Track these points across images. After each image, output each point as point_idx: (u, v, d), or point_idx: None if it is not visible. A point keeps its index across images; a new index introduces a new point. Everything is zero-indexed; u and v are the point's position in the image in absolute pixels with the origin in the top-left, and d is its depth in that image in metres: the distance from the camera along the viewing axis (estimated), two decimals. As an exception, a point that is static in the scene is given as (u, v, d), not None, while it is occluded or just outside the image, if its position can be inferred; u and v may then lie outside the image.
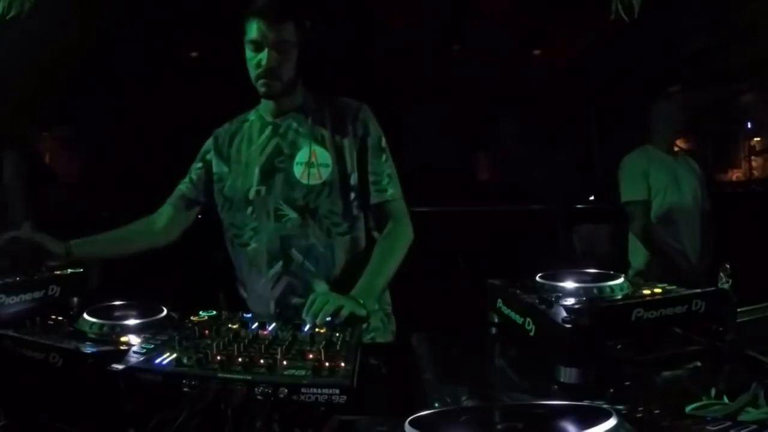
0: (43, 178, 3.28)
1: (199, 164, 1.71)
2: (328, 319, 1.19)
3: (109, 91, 4.14)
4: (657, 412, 0.65)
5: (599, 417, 0.55)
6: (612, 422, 0.54)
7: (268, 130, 1.62)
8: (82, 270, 1.39)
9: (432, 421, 0.63)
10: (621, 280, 1.12)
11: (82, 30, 3.15)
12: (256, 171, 1.58)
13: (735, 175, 5.85)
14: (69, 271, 1.37)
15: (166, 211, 1.71)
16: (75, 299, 1.34)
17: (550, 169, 5.15)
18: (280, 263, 1.56)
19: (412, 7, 3.91)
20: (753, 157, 5.75)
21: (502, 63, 4.96)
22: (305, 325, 1.10)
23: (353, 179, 1.57)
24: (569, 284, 1.12)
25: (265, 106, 1.63)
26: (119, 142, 4.31)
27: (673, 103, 2.96)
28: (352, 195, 1.58)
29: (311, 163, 1.54)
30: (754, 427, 0.60)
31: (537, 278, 1.21)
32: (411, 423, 0.60)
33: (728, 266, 1.15)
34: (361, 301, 1.31)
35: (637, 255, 2.84)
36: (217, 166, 1.67)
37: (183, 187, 1.71)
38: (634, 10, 1.67)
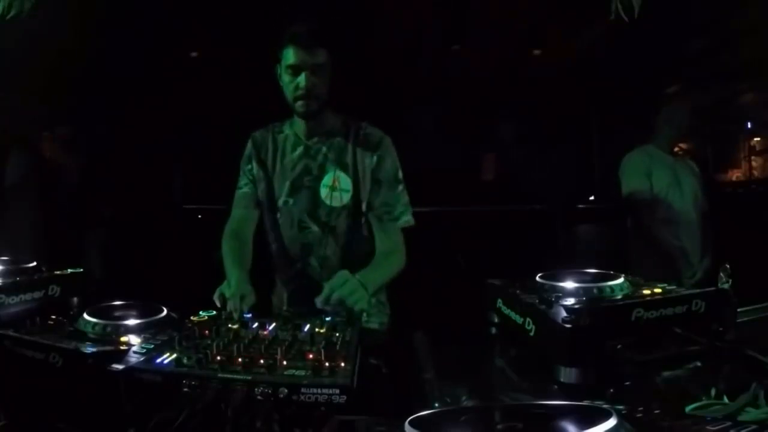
0: (44, 178, 3.28)
1: (249, 165, 1.82)
2: (335, 297, 1.33)
3: (109, 91, 4.14)
4: (657, 412, 0.65)
5: (599, 417, 0.55)
6: (612, 422, 0.54)
7: (300, 149, 1.76)
8: (82, 270, 1.39)
9: (432, 421, 0.63)
10: (621, 280, 1.12)
11: (82, 30, 3.15)
12: (287, 184, 1.75)
13: (735, 175, 5.85)
14: (69, 271, 1.37)
15: (237, 215, 1.80)
16: (75, 299, 1.34)
17: (550, 169, 5.16)
18: (299, 265, 1.76)
19: (412, 7, 3.91)
20: (753, 157, 5.74)
21: (502, 63, 4.95)
22: (305, 325, 1.10)
23: (364, 206, 1.73)
24: (569, 284, 1.12)
25: (298, 125, 1.77)
26: (119, 142, 4.30)
27: (681, 107, 2.96)
28: (363, 219, 1.74)
29: (334, 187, 1.72)
30: (754, 427, 0.60)
31: (537, 278, 1.21)
32: (411, 423, 0.60)
33: (728, 266, 1.15)
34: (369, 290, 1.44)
35: (637, 254, 2.84)
36: (255, 170, 1.81)
37: (246, 189, 1.82)
38: (634, 10, 1.67)
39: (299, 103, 1.64)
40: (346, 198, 1.72)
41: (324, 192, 1.72)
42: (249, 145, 1.85)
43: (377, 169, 1.72)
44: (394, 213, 1.73)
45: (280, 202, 1.77)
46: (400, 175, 1.76)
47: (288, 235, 1.77)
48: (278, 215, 1.78)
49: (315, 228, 1.74)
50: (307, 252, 1.75)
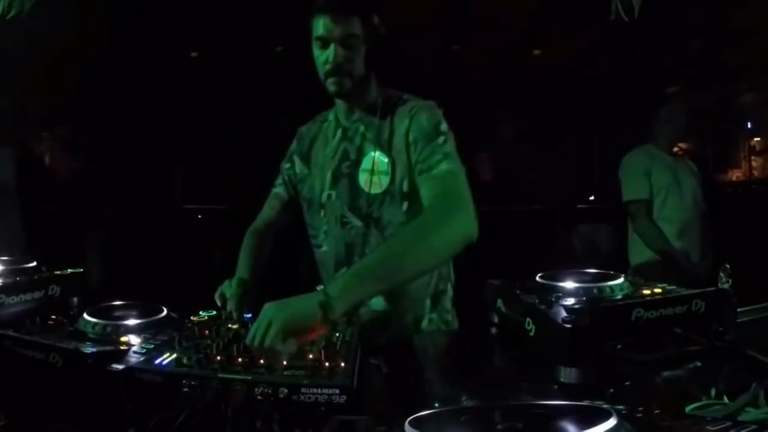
0: (44, 178, 3.28)
1: (288, 164, 1.70)
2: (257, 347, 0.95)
3: (109, 91, 4.14)
4: (657, 412, 0.65)
5: (599, 417, 0.55)
6: (612, 422, 0.54)
7: (339, 133, 1.58)
8: (82, 270, 1.39)
9: (432, 421, 0.63)
10: (621, 280, 1.12)
11: (82, 30, 3.15)
12: (329, 175, 1.56)
13: (735, 175, 5.85)
14: (69, 271, 1.37)
15: (263, 215, 1.71)
16: (75, 299, 1.34)
17: (550, 169, 5.16)
18: (345, 269, 1.50)
19: (412, 7, 3.90)
20: (753, 157, 5.75)
21: (502, 63, 4.96)
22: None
23: (405, 185, 1.46)
24: (569, 284, 1.12)
25: (339, 106, 1.59)
26: (119, 142, 4.31)
27: (681, 107, 2.96)
28: (406, 204, 1.47)
29: (373, 170, 1.49)
30: (754, 427, 0.60)
31: (537, 278, 1.21)
32: (411, 423, 0.60)
33: (728, 266, 1.15)
34: (326, 301, 1.02)
35: (638, 254, 2.84)
36: (299, 167, 1.66)
37: (279, 189, 1.71)
38: (634, 10, 1.67)
39: (330, 80, 1.44)
40: (386, 182, 1.47)
41: (363, 178, 1.49)
42: (294, 142, 1.70)
43: (411, 130, 1.45)
44: (431, 161, 1.37)
45: (323, 197, 1.56)
46: (443, 127, 1.43)
47: (332, 235, 1.56)
48: (322, 213, 1.57)
49: (357, 222, 1.51)
50: (351, 251, 1.52)
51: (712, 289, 1.12)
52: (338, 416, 0.75)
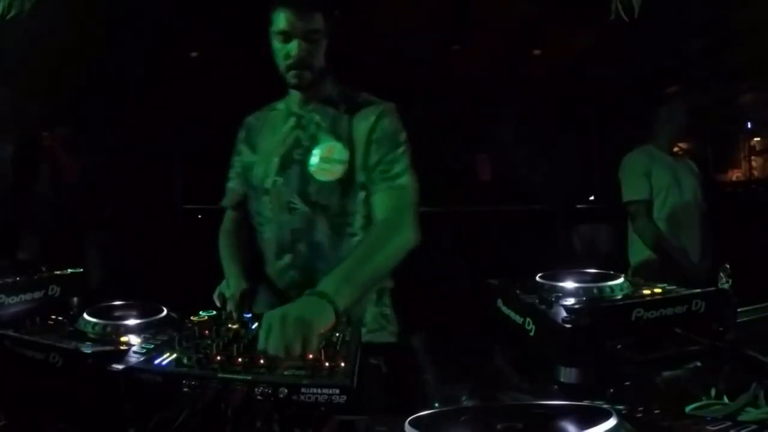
0: (44, 177, 3.28)
1: (237, 156, 1.71)
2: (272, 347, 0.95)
3: (109, 91, 4.14)
4: (657, 412, 0.65)
5: (599, 417, 0.55)
6: (612, 422, 0.54)
7: (291, 121, 1.60)
8: (82, 270, 1.39)
9: (432, 421, 0.62)
10: (621, 280, 1.12)
11: (82, 30, 3.15)
12: (276, 161, 1.57)
13: (735, 175, 5.85)
14: (69, 271, 1.37)
15: (228, 214, 1.74)
16: (75, 299, 1.34)
17: (550, 169, 5.16)
18: (289, 256, 1.56)
19: (412, 7, 3.91)
20: (753, 157, 5.75)
21: (502, 63, 4.96)
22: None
23: (361, 176, 1.53)
24: (569, 284, 1.12)
25: (293, 96, 1.61)
26: (119, 142, 4.31)
27: (681, 107, 2.96)
28: (362, 194, 1.54)
29: (327, 158, 1.51)
30: (754, 427, 0.60)
31: (537, 278, 1.21)
32: (411, 423, 0.60)
33: (728, 266, 1.15)
34: (328, 299, 1.11)
35: (637, 254, 2.84)
36: (247, 156, 1.67)
37: (232, 183, 1.72)
38: (634, 10, 1.67)
39: (291, 73, 1.48)
40: (339, 170, 1.50)
41: (314, 165, 1.52)
42: (240, 131, 1.71)
43: (374, 130, 1.51)
44: (392, 171, 1.48)
45: (269, 183, 1.56)
46: (402, 138, 1.53)
47: (276, 221, 1.57)
48: (265, 199, 1.58)
49: (304, 208, 1.53)
50: (296, 238, 1.54)
51: (712, 289, 1.12)
52: (338, 416, 0.75)
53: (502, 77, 5.10)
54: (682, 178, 2.80)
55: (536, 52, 4.83)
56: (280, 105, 1.67)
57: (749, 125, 5.71)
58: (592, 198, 5.20)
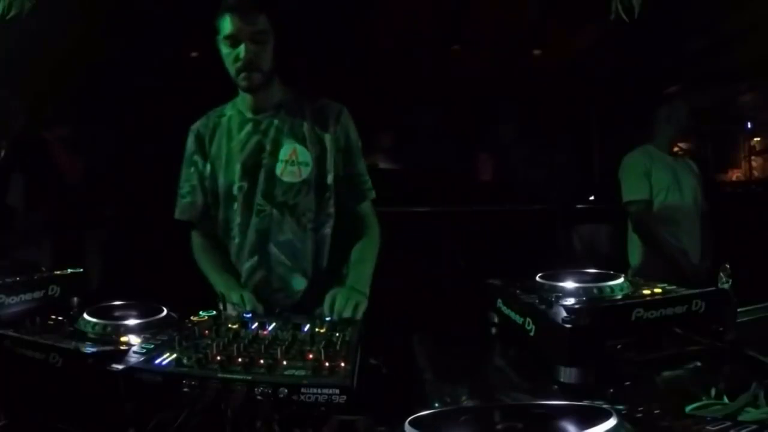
0: (44, 178, 3.28)
1: (191, 168, 1.69)
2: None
3: (109, 91, 4.14)
4: (657, 412, 0.65)
5: (599, 417, 0.55)
6: (612, 422, 0.54)
7: (248, 126, 1.62)
8: (82, 270, 1.39)
9: (432, 421, 0.63)
10: (621, 280, 1.12)
11: (82, 30, 3.15)
12: (238, 167, 1.60)
13: (735, 175, 5.85)
14: (69, 271, 1.37)
15: (197, 232, 1.73)
16: (75, 299, 1.34)
17: (550, 169, 5.16)
18: (256, 257, 1.60)
19: (412, 6, 3.90)
20: (753, 157, 5.75)
21: (502, 63, 4.95)
22: (305, 325, 1.10)
23: (329, 178, 1.61)
24: (569, 284, 1.12)
25: (243, 101, 1.64)
26: (120, 142, 4.31)
27: (681, 107, 2.96)
28: (328, 194, 1.62)
29: (292, 161, 1.58)
30: (754, 427, 0.60)
31: (537, 278, 1.21)
32: (411, 423, 0.60)
33: (728, 266, 1.15)
34: (363, 291, 1.49)
35: (637, 254, 2.84)
36: (202, 165, 1.67)
37: (189, 198, 1.70)
38: (634, 10, 1.66)
39: (241, 75, 1.52)
40: (306, 172, 1.58)
41: (280, 167, 1.57)
42: (189, 142, 1.70)
43: (343, 139, 1.63)
44: (362, 187, 1.67)
45: (235, 190, 1.59)
46: (357, 137, 1.68)
47: (244, 224, 1.60)
48: (235, 205, 1.60)
49: (272, 210, 1.58)
50: (265, 238, 1.58)
51: (712, 289, 1.12)
52: (338, 416, 0.75)
53: (502, 77, 5.09)
54: (682, 178, 2.80)
55: (536, 52, 4.82)
56: (228, 110, 1.69)
57: (749, 125, 5.71)
58: (592, 198, 5.20)
